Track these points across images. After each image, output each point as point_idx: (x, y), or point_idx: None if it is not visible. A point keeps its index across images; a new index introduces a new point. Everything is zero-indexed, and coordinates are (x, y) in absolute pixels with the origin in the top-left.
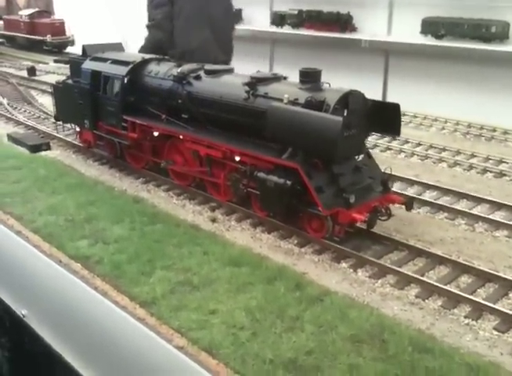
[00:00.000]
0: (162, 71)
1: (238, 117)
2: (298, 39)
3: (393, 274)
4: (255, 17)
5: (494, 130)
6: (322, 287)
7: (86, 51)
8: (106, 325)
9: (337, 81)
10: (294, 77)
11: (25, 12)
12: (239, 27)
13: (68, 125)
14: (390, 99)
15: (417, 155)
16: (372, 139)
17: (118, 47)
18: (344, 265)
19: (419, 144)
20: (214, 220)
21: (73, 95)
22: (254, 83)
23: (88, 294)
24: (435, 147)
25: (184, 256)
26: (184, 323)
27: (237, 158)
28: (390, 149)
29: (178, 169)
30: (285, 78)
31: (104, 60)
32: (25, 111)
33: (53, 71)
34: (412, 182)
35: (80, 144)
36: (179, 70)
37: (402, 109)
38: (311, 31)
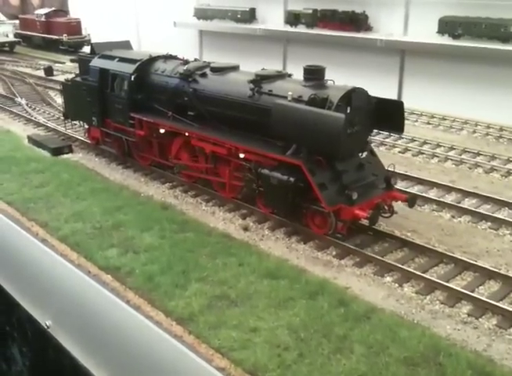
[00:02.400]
0: (169, 69)
1: (243, 114)
2: (312, 38)
3: (442, 290)
4: (269, 16)
5: None
6: (368, 304)
7: (94, 49)
8: (137, 340)
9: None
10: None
11: (41, 12)
12: (253, 26)
13: (76, 123)
14: (405, 99)
15: (451, 160)
16: (402, 143)
17: (126, 45)
18: (388, 279)
19: (452, 148)
20: (246, 228)
21: (81, 93)
22: (259, 80)
23: (118, 306)
24: (469, 152)
25: (219, 267)
26: (224, 343)
27: (242, 155)
28: (422, 153)
29: (188, 172)
30: (289, 76)
31: (112, 58)
32: (44, 112)
33: (70, 71)
34: (449, 189)
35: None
36: (185, 67)
37: (418, 109)
38: (326, 31)
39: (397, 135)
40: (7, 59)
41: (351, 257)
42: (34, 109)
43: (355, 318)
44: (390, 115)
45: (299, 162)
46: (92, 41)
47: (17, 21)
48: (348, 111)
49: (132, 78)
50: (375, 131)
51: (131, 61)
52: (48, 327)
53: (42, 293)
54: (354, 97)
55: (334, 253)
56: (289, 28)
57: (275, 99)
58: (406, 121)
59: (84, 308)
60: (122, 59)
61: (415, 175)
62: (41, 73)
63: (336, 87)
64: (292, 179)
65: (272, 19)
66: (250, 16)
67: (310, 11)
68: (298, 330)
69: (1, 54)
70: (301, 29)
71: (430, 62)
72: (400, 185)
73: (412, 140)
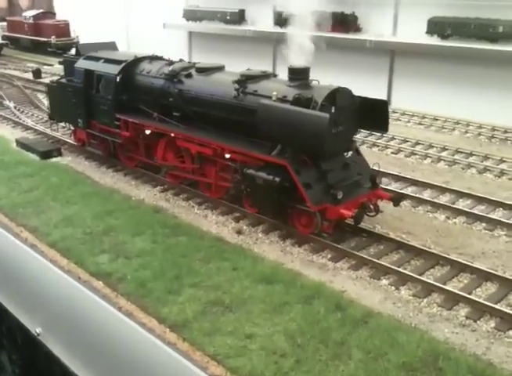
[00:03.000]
0: (154, 70)
1: (228, 114)
2: None
3: (439, 292)
4: (258, 18)
5: None
6: (365, 308)
7: (80, 50)
8: (129, 347)
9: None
10: None
11: (29, 14)
12: (242, 27)
13: (62, 124)
14: (395, 100)
15: (444, 160)
16: (395, 144)
17: (112, 46)
18: (384, 282)
19: (444, 149)
20: (239, 232)
21: (66, 94)
22: (244, 81)
23: (109, 312)
24: (462, 152)
25: (212, 272)
26: (220, 350)
27: (227, 156)
28: (415, 154)
29: (174, 173)
30: (275, 76)
31: (97, 59)
32: (32, 115)
33: (58, 73)
34: (443, 190)
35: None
36: (171, 68)
37: (408, 109)
38: (315, 31)
39: (390, 136)
40: None
41: (347, 260)
42: (23, 112)
43: (353, 323)
44: (374, 114)
45: (284, 162)
46: (81, 42)
47: (4, 23)
48: (333, 111)
49: (117, 79)
50: (367, 132)
51: (117, 62)
52: (38, 335)
53: (32, 300)
54: (338, 97)
55: (329, 256)
56: (278, 29)
57: (260, 99)
58: (398, 122)
59: (75, 315)
60: (107, 60)
61: (408, 176)
62: (30, 75)
63: (320, 87)
64: (277, 179)
65: (262, 20)
66: (239, 17)
67: None
68: (295, 336)
69: None
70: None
71: (419, 62)
72: (394, 186)
73: (405, 141)
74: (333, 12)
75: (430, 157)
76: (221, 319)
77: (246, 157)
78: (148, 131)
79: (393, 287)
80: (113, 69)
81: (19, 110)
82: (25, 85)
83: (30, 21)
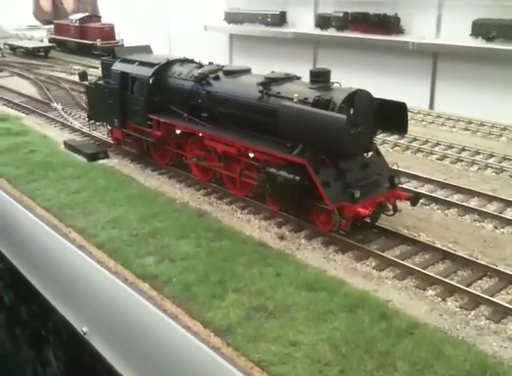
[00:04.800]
0: (185, 72)
1: (252, 115)
2: (343, 41)
3: (486, 304)
4: (299, 20)
5: None
6: (410, 318)
7: (116, 53)
8: (174, 350)
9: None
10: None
11: (75, 17)
12: (283, 29)
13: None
14: (438, 103)
15: (491, 167)
16: (440, 149)
17: (147, 49)
18: (430, 292)
19: (491, 155)
20: (282, 237)
21: (103, 95)
22: (268, 83)
23: (155, 315)
24: (509, 159)
25: (255, 277)
26: (264, 356)
27: (251, 155)
28: (461, 160)
29: (202, 164)
30: (298, 78)
31: (132, 62)
32: (79, 117)
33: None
34: (491, 198)
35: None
36: (200, 70)
37: (452, 113)
38: (357, 33)
39: (434, 142)
40: (42, 63)
41: (392, 269)
42: (70, 114)
43: (398, 333)
44: (394, 116)
45: (304, 161)
46: (125, 45)
47: (51, 26)
48: (351, 112)
49: (150, 81)
50: (411, 137)
51: (150, 65)
52: (84, 333)
53: (79, 299)
54: (357, 99)
55: (374, 264)
56: (319, 31)
57: (282, 101)
58: (443, 127)
59: (121, 315)
60: (141, 63)
61: (454, 184)
62: (76, 78)
63: (340, 89)
64: (297, 178)
65: (303, 22)
66: (280, 19)
67: (341, 14)
68: (339, 345)
69: (36, 59)
70: (332, 32)
71: (463, 65)
72: (439, 193)
73: (450, 147)
74: (375, 14)
75: (476, 163)
76: (265, 325)
77: (268, 156)
78: (178, 131)
79: (439, 298)
80: (147, 71)
81: (66, 111)
82: (71, 87)
83: (77, 24)
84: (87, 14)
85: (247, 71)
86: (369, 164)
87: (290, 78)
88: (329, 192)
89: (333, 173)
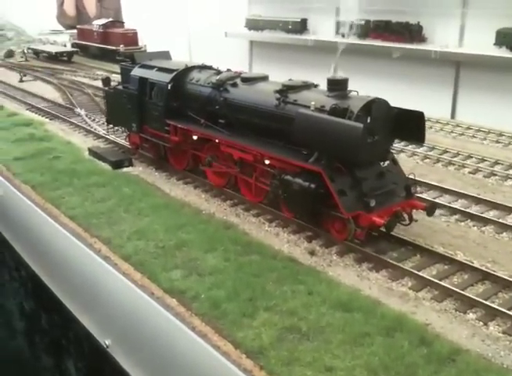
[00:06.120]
0: (203, 78)
1: (269, 122)
2: (364, 49)
3: None
4: (320, 27)
5: None
6: (452, 344)
7: (135, 59)
8: (202, 370)
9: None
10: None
11: (99, 22)
12: (303, 36)
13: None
14: (460, 113)
15: None
16: (472, 163)
17: (165, 55)
18: (471, 316)
19: None
20: (312, 253)
21: (122, 100)
22: (285, 90)
23: (182, 332)
24: None
25: (287, 296)
26: None
27: (267, 162)
28: (494, 174)
29: (216, 168)
30: (315, 86)
31: (151, 68)
32: (103, 124)
33: None
34: None
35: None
36: (218, 77)
37: (474, 123)
38: (378, 41)
39: (466, 154)
40: (65, 68)
41: (429, 289)
42: (94, 120)
43: (439, 360)
44: (411, 125)
45: (319, 169)
46: (148, 51)
47: (74, 31)
48: (368, 121)
49: (169, 87)
50: (442, 149)
51: (169, 71)
52: (107, 347)
53: (103, 311)
54: (374, 107)
55: (410, 284)
56: (340, 39)
57: (299, 109)
58: (474, 139)
59: (147, 331)
60: (160, 69)
61: (489, 199)
62: (99, 83)
63: (357, 97)
64: (313, 186)
65: (323, 29)
66: (301, 26)
67: (363, 22)
68: (378, 372)
69: (59, 63)
70: (353, 40)
71: (487, 75)
72: (474, 209)
73: (483, 160)
74: (397, 22)
75: (511, 178)
76: (298, 347)
77: (284, 163)
78: (195, 137)
79: (481, 322)
80: (165, 77)
81: (90, 117)
82: (95, 93)
83: (100, 30)
84: (110, 20)
85: (265, 78)
86: (386, 173)
87: (307, 86)
88: (345, 200)
89: (349, 181)
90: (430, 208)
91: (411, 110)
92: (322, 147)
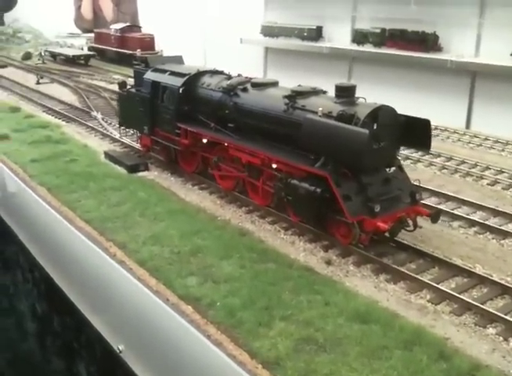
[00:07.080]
0: (214, 83)
1: (277, 127)
2: (379, 58)
3: None
4: (335, 35)
5: None
6: (471, 359)
7: (149, 62)
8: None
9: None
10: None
11: (116, 27)
12: (319, 44)
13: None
14: (475, 123)
15: None
16: (490, 174)
17: (178, 59)
18: (491, 330)
19: None
20: (329, 262)
21: (135, 103)
22: (294, 96)
23: (198, 340)
24: None
25: (303, 306)
26: None
27: (274, 166)
28: None
29: (223, 166)
30: (324, 92)
31: (163, 72)
32: (119, 127)
33: None
34: None
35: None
36: (228, 82)
37: (489, 134)
38: (394, 50)
39: (484, 165)
40: (82, 72)
41: (448, 303)
42: (110, 123)
43: (459, 375)
44: (418, 133)
45: (326, 174)
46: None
47: (91, 35)
48: (375, 127)
49: (180, 91)
50: (459, 160)
51: (181, 75)
52: (120, 352)
53: (116, 316)
54: (381, 114)
55: (428, 297)
56: (356, 47)
57: (306, 114)
58: (492, 151)
59: (162, 338)
60: (172, 73)
61: (508, 211)
62: (115, 87)
63: (364, 104)
64: (319, 190)
65: (339, 37)
66: (316, 34)
67: (378, 30)
68: None
69: (76, 66)
70: (369, 48)
71: (503, 85)
72: (492, 221)
73: (501, 172)
74: (413, 31)
75: None
76: (315, 359)
77: (290, 167)
78: (205, 140)
79: (501, 338)
80: (177, 81)
81: (106, 121)
82: (111, 97)
83: (117, 34)
84: (127, 24)
85: (275, 84)
86: (391, 179)
87: (315, 92)
88: (350, 205)
89: (355, 187)
90: (435, 215)
91: (418, 118)
92: (329, 152)
